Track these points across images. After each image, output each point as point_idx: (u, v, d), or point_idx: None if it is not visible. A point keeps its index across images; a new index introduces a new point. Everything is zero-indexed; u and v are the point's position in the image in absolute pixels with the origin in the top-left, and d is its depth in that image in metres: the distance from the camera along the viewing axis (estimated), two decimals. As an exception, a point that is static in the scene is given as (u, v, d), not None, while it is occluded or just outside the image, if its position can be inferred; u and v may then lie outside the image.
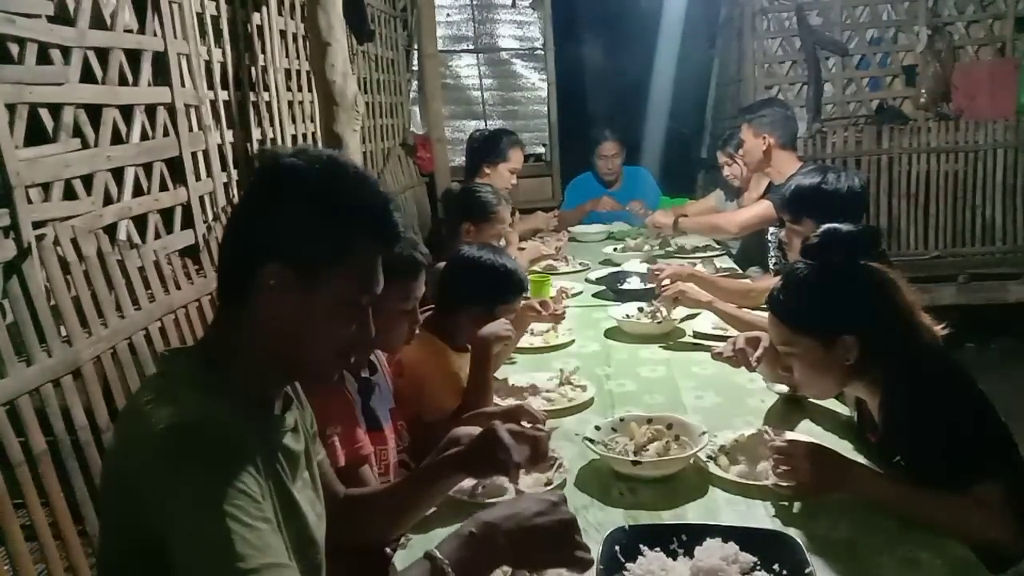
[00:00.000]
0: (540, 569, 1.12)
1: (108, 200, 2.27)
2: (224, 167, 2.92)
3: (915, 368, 1.48)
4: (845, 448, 1.65)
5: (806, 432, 1.76)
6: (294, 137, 3.58)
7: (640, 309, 2.69)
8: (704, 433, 1.65)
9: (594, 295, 3.16)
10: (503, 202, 2.89)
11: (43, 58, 2.01)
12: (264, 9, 3.28)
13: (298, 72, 3.63)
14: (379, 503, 1.38)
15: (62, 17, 2.10)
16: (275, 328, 1.02)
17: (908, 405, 1.45)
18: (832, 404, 1.91)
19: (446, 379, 1.95)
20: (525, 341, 2.51)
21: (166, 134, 2.56)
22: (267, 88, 3.31)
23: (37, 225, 1.93)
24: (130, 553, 0.94)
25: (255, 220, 1.03)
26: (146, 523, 0.89)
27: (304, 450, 1.14)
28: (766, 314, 2.48)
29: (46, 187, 2.02)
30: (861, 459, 1.57)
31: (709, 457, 1.62)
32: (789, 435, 1.65)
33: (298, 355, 1.04)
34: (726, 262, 3.60)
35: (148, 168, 2.48)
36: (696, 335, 2.54)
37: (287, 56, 3.52)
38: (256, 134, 3.19)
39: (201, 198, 2.75)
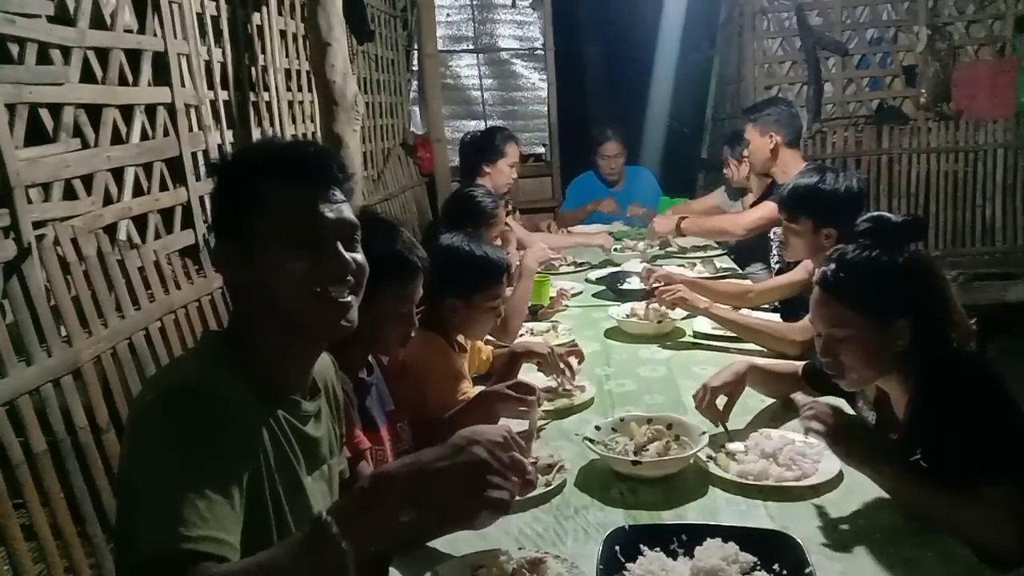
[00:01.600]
0: (453, 517, 0.99)
1: (108, 200, 2.27)
2: (224, 167, 2.91)
3: (952, 363, 1.48)
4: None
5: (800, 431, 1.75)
6: (294, 137, 3.58)
7: (638, 307, 2.68)
8: (704, 433, 1.65)
9: (594, 295, 3.16)
10: (498, 202, 2.89)
11: (43, 58, 2.02)
12: (264, 9, 3.28)
13: (298, 72, 3.63)
14: None
15: (62, 17, 2.10)
16: (248, 296, 1.08)
17: (939, 401, 1.44)
18: (833, 404, 1.91)
19: (449, 378, 1.95)
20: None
21: (166, 134, 2.56)
22: (267, 88, 3.31)
23: (37, 225, 1.93)
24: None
25: (211, 207, 1.18)
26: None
27: (327, 441, 1.17)
28: (764, 315, 2.49)
29: (46, 187, 2.02)
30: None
31: (709, 457, 1.63)
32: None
33: (277, 309, 1.07)
34: (726, 262, 3.60)
35: (148, 168, 2.48)
36: (696, 335, 2.54)
37: (287, 56, 3.52)
38: (256, 134, 3.18)
39: (201, 198, 2.74)
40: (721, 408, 1.79)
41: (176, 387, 0.98)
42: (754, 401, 1.98)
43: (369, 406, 1.61)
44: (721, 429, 1.76)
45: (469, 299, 1.99)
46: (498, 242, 2.80)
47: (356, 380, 1.58)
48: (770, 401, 1.96)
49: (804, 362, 1.96)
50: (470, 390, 2.00)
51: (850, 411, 1.86)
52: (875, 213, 1.63)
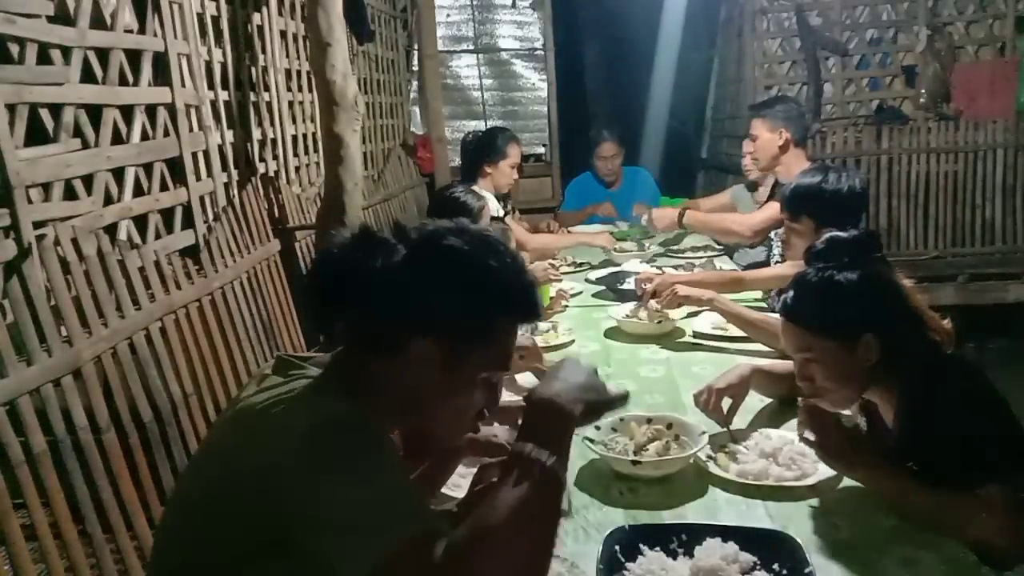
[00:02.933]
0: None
1: (108, 200, 2.27)
2: (224, 167, 2.92)
3: (934, 367, 1.47)
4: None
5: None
6: (294, 137, 3.58)
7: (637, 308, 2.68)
8: (704, 433, 1.65)
9: (594, 295, 3.16)
10: (483, 200, 2.87)
11: (43, 58, 2.02)
12: (264, 9, 3.28)
13: (298, 72, 3.64)
14: None
15: (62, 17, 2.10)
16: (413, 395, 1.06)
17: (928, 406, 1.43)
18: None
19: None
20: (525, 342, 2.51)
21: (166, 134, 2.56)
22: (267, 88, 3.31)
23: (37, 225, 1.93)
24: (235, 558, 0.93)
25: (414, 294, 1.04)
26: (275, 523, 0.89)
27: None
28: (767, 314, 2.48)
29: (46, 187, 2.02)
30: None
31: (709, 457, 1.63)
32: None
33: (431, 422, 1.12)
34: (726, 263, 3.59)
35: (148, 168, 2.48)
36: (696, 335, 2.54)
37: (287, 56, 3.52)
38: (256, 134, 3.19)
39: (201, 198, 2.75)
40: (725, 411, 1.79)
41: (332, 417, 0.96)
42: (754, 401, 1.98)
43: None
44: (723, 429, 1.76)
45: None
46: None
47: None
48: (769, 400, 1.96)
49: None
50: None
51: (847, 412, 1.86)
52: (830, 234, 1.63)
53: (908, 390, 1.48)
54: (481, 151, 3.65)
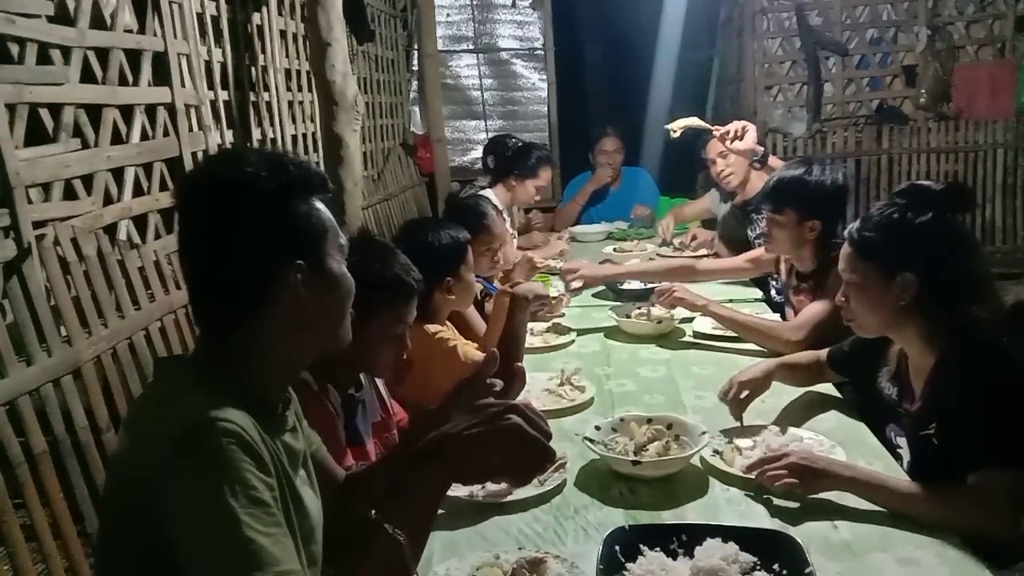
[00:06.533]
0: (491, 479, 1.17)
1: (108, 200, 2.27)
2: (224, 167, 2.91)
3: (979, 345, 1.48)
4: (857, 435, 1.71)
5: (814, 430, 1.75)
6: (294, 137, 3.58)
7: (637, 308, 2.68)
8: (704, 433, 1.65)
9: (594, 295, 3.16)
10: (500, 215, 2.87)
11: (43, 58, 2.02)
12: (264, 9, 3.28)
13: (298, 72, 3.63)
14: (375, 477, 1.37)
15: (62, 17, 2.10)
16: (287, 314, 1.05)
17: (962, 379, 1.45)
18: (831, 404, 1.92)
19: (451, 368, 1.95)
20: (526, 341, 2.51)
21: (166, 134, 2.56)
22: (267, 88, 3.31)
23: (37, 225, 1.93)
24: (132, 555, 0.95)
25: None
26: (155, 524, 0.89)
27: (302, 447, 1.15)
28: (763, 317, 2.47)
29: (46, 187, 2.02)
30: (868, 455, 1.57)
31: (715, 452, 1.63)
32: (790, 435, 1.66)
33: (327, 329, 1.10)
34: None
35: (148, 168, 2.48)
36: (696, 335, 2.54)
37: (287, 56, 3.52)
38: (256, 134, 3.18)
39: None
40: (743, 399, 1.81)
41: (192, 428, 0.92)
42: (766, 399, 1.94)
43: (356, 422, 1.60)
44: (735, 424, 1.77)
45: (458, 273, 2.19)
46: (496, 244, 2.76)
47: (345, 397, 1.57)
48: (770, 400, 1.95)
49: (828, 349, 1.97)
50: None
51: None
52: (912, 183, 1.64)
53: (947, 358, 1.51)
54: (515, 161, 3.65)
